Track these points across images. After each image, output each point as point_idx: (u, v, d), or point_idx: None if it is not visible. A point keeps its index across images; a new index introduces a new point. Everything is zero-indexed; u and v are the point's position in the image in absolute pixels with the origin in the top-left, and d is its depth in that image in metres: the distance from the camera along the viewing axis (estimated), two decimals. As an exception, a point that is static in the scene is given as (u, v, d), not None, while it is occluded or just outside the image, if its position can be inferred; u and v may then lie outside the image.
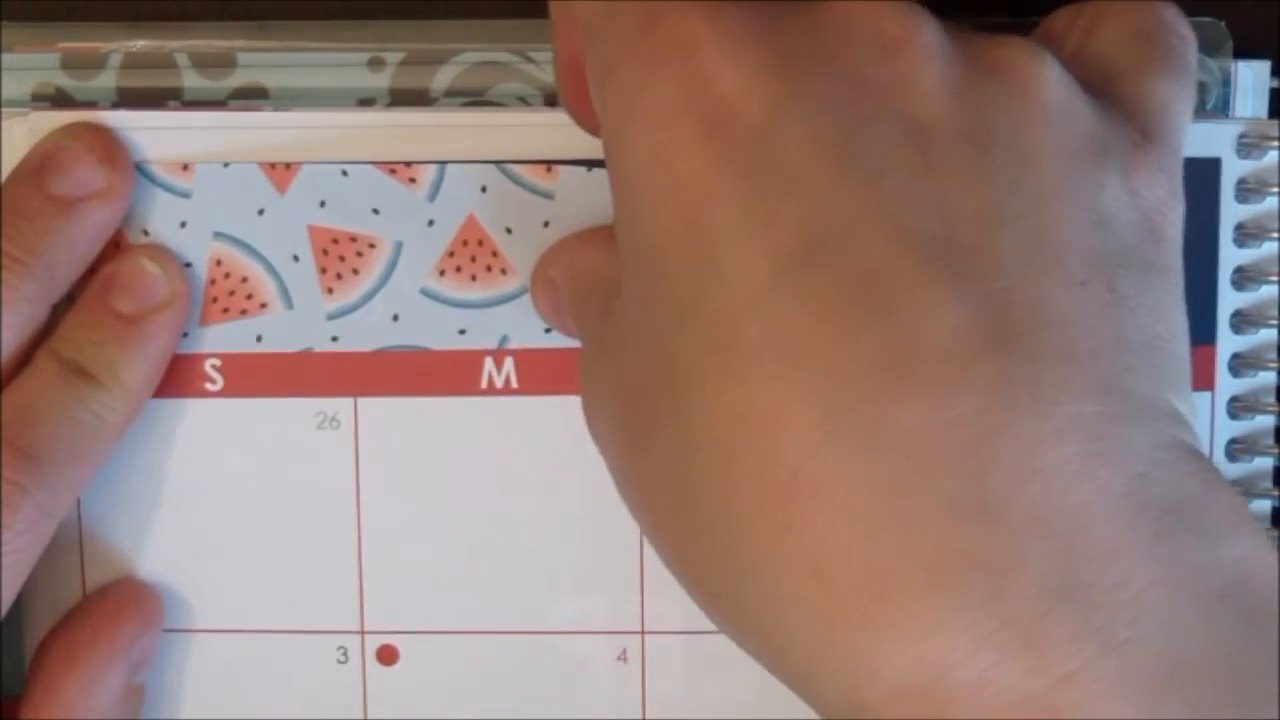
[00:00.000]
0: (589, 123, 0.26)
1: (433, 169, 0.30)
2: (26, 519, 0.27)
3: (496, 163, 0.30)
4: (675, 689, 0.31)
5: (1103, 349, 0.21)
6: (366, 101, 0.30)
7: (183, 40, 0.31)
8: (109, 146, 0.29)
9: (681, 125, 0.22)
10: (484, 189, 0.30)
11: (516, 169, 0.30)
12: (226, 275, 0.30)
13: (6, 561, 0.27)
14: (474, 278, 0.30)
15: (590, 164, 0.30)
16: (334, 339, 0.30)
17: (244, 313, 0.30)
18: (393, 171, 0.30)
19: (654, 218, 0.23)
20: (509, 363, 0.30)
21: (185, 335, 0.30)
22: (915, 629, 0.20)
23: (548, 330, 0.30)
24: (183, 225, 0.30)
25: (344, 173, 0.30)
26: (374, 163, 0.30)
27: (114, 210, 0.29)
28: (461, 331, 0.30)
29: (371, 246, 0.30)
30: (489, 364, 0.30)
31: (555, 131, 0.29)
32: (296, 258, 0.30)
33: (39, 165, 0.29)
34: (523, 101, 0.30)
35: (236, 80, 0.31)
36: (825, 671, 0.21)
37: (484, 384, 0.30)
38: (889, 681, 0.20)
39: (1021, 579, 0.20)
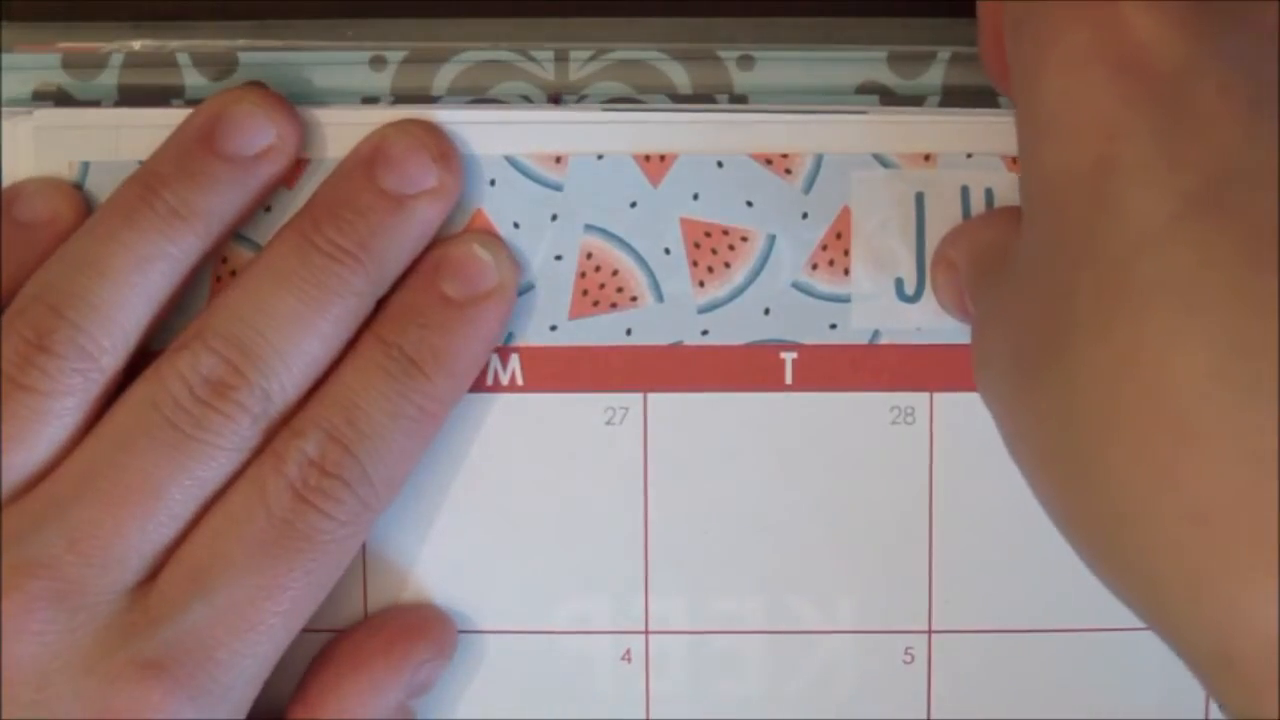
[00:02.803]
0: (1003, 79, 0.27)
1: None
2: (349, 512, 0.27)
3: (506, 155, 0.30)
4: (679, 689, 0.30)
5: None
6: (370, 100, 0.30)
7: (184, 40, 0.31)
8: (441, 145, 0.29)
9: (1095, 68, 0.23)
10: (492, 182, 0.30)
11: (525, 160, 0.30)
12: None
13: (330, 551, 0.27)
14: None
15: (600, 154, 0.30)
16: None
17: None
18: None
19: (1060, 157, 0.23)
20: (515, 360, 0.30)
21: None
22: None
23: (553, 329, 0.30)
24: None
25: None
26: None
27: (445, 208, 0.29)
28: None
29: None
30: (494, 361, 0.30)
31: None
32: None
33: (370, 158, 0.29)
34: (526, 100, 0.30)
35: (238, 79, 0.30)
36: (1198, 620, 0.21)
37: (490, 381, 0.30)
38: (1263, 634, 0.20)
39: None
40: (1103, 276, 0.22)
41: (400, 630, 0.29)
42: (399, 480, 0.29)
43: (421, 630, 0.30)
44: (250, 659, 0.27)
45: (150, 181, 0.28)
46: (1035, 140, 0.24)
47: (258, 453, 0.28)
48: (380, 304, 0.29)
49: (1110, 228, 0.22)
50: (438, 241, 0.29)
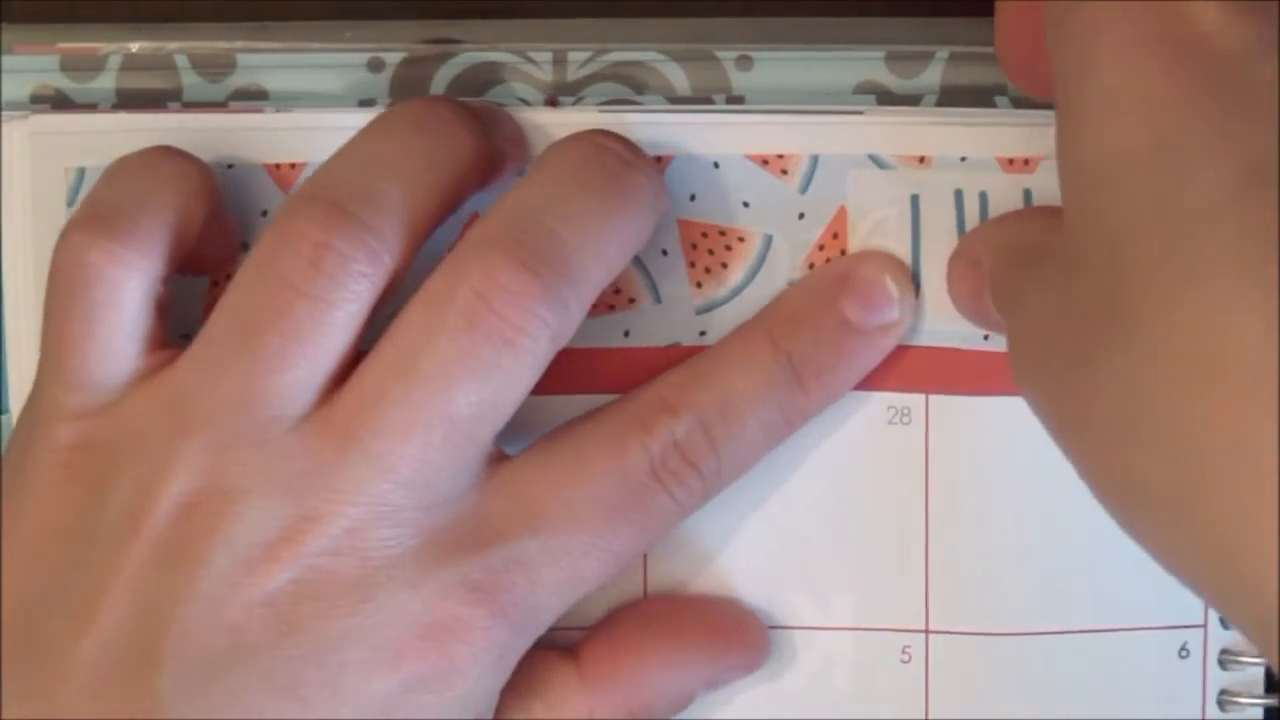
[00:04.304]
0: (1020, 68, 0.28)
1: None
2: (692, 500, 0.28)
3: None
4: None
5: None
6: (367, 103, 0.30)
7: (182, 41, 0.31)
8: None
9: (1155, 52, 0.23)
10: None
11: None
12: None
13: (659, 531, 0.28)
14: None
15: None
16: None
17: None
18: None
19: (1117, 137, 0.24)
20: None
21: None
22: None
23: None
24: None
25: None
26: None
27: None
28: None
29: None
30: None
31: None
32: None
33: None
34: (523, 102, 0.30)
35: (236, 81, 0.31)
36: (1269, 582, 0.21)
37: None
38: None
39: None
40: (1167, 245, 0.22)
41: (723, 628, 0.30)
42: (737, 476, 0.29)
43: (741, 637, 0.30)
44: (564, 602, 0.27)
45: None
46: (1083, 127, 0.24)
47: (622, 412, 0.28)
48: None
49: (1175, 199, 0.23)
50: (848, 256, 0.30)
